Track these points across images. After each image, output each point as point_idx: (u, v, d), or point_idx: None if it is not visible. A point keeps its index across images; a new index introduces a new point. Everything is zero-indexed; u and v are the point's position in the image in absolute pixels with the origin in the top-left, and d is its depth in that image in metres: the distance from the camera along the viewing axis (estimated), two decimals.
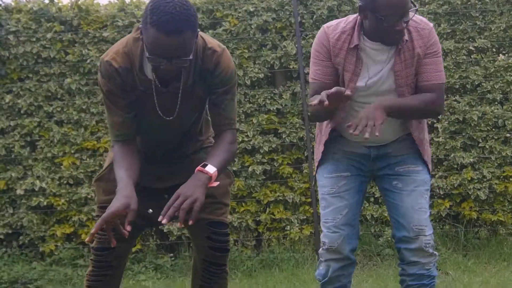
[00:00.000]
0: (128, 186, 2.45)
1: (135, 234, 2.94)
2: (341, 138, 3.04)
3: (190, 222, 2.35)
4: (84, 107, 6.12)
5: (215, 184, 2.49)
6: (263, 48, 6.10)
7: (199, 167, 2.47)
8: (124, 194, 2.42)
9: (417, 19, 2.89)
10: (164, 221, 2.36)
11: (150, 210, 2.62)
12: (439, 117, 5.69)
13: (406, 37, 2.82)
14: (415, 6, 2.76)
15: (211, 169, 2.46)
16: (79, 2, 6.20)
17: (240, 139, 5.97)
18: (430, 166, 3.09)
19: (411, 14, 2.75)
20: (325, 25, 2.96)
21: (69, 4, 6.28)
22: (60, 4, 6.32)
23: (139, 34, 2.48)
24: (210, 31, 6.05)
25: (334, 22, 2.97)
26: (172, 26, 2.30)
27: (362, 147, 3.02)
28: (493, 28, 6.00)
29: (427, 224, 2.98)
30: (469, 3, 6.03)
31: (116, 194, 2.44)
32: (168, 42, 2.32)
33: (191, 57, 2.40)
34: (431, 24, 2.94)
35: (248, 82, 6.05)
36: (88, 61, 6.10)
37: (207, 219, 2.76)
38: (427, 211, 3.01)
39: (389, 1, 2.68)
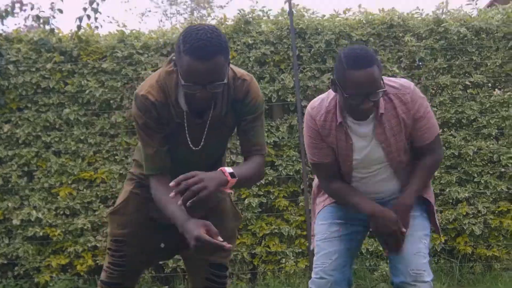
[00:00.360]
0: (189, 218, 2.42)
1: (143, 269, 3.06)
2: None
3: (188, 204, 2.32)
4: (82, 137, 6.14)
5: (228, 190, 2.49)
6: (261, 80, 6.13)
7: (222, 168, 2.47)
8: (193, 226, 2.38)
9: (396, 85, 2.88)
10: (171, 184, 2.35)
11: (162, 245, 2.65)
12: None
13: (382, 109, 2.83)
14: (383, 87, 2.72)
15: (232, 175, 2.46)
16: (79, 33, 6.25)
17: None
18: (433, 201, 3.09)
19: (379, 93, 2.72)
20: (309, 107, 2.97)
21: (69, 35, 6.32)
22: (60, 34, 6.38)
23: (172, 67, 2.54)
24: None
25: (317, 101, 2.97)
26: (204, 51, 2.34)
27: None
28: (489, 64, 6.06)
29: (426, 269, 2.90)
30: (465, 38, 6.09)
31: (184, 231, 2.38)
32: (202, 68, 2.36)
33: (225, 81, 2.44)
34: (412, 85, 2.92)
35: None
36: (87, 91, 6.14)
37: (209, 260, 2.79)
38: (426, 256, 2.94)
39: (354, 81, 2.66)
